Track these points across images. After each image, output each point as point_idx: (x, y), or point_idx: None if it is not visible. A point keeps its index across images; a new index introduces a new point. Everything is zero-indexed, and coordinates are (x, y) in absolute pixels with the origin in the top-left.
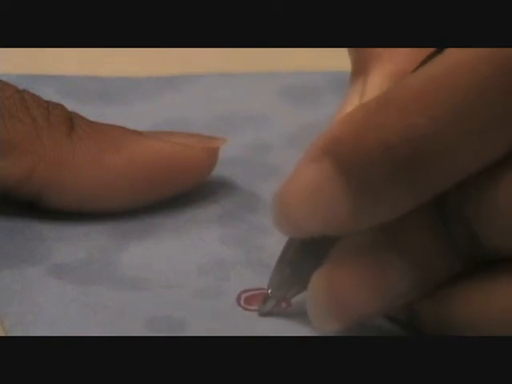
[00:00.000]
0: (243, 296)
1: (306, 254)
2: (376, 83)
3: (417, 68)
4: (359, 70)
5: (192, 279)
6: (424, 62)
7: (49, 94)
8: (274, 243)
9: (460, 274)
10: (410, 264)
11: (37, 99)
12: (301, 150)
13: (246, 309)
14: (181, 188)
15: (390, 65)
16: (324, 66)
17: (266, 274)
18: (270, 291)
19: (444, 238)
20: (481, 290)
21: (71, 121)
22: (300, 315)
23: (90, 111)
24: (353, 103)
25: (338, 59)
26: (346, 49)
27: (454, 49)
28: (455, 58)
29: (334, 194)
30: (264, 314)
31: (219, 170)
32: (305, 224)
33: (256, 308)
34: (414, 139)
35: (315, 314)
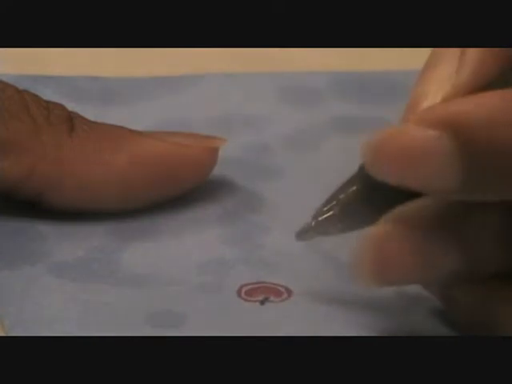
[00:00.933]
0: (244, 289)
1: (363, 201)
2: (476, 59)
3: None
4: None
5: (192, 276)
6: None
7: (48, 95)
8: (275, 242)
9: (510, 278)
10: (462, 253)
11: (37, 99)
12: (301, 150)
13: (246, 300)
14: (181, 188)
15: None
16: (324, 66)
17: (266, 271)
18: (313, 223)
19: (506, 242)
20: None
21: (71, 121)
22: (301, 306)
23: (90, 111)
24: (443, 76)
25: (338, 59)
26: (346, 49)
27: None
28: None
29: (448, 164)
30: (300, 240)
31: (219, 170)
32: (403, 175)
33: (257, 299)
34: None
35: (357, 265)
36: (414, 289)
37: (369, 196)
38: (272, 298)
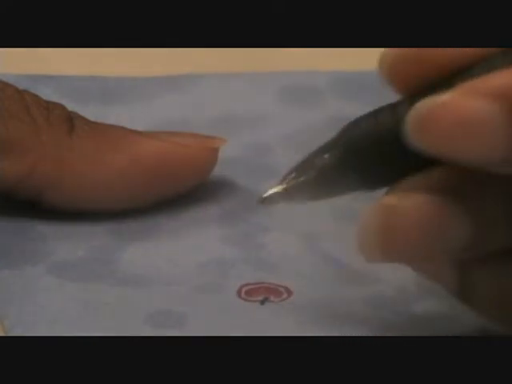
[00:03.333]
0: (244, 289)
1: (343, 168)
2: None
3: None
4: None
5: (192, 276)
6: None
7: (48, 95)
8: (275, 242)
9: None
10: (472, 220)
11: (37, 99)
12: (301, 150)
13: (246, 300)
14: (181, 188)
15: None
16: (324, 66)
17: (266, 271)
18: (282, 188)
19: None
20: None
21: (71, 120)
22: (300, 306)
23: (90, 111)
24: None
25: (338, 59)
26: (346, 49)
27: None
28: None
29: (498, 134)
30: (263, 204)
31: (219, 170)
32: (454, 147)
33: (257, 299)
34: None
35: (364, 242)
36: (415, 287)
37: (351, 163)
38: (272, 299)
